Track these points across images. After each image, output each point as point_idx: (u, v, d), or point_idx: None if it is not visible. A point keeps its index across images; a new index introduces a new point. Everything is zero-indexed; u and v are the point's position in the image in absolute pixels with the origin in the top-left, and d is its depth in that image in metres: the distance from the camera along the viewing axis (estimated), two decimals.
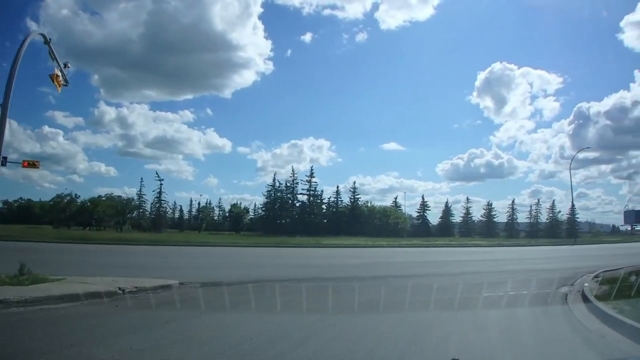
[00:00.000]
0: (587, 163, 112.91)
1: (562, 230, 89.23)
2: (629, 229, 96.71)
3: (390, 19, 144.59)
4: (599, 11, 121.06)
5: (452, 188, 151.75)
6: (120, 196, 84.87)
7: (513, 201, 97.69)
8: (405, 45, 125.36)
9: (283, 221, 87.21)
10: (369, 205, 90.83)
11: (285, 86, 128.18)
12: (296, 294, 10.80)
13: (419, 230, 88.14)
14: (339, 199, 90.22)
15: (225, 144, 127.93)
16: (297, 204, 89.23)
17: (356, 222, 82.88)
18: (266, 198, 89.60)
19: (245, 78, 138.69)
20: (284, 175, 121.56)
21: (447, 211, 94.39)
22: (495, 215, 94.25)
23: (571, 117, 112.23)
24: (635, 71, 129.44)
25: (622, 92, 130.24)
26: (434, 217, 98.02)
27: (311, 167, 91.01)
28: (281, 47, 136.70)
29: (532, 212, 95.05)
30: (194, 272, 16.50)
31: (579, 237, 69.55)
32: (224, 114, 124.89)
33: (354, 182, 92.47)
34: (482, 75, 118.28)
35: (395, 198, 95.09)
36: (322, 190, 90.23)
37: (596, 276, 15.28)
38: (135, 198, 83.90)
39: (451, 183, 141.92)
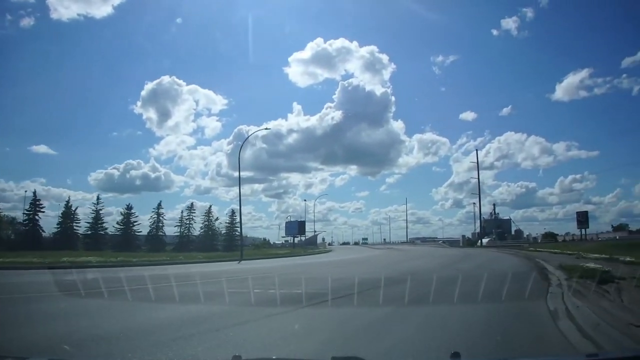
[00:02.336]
0: (241, 182, 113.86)
1: (219, 242, 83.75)
2: (290, 240, 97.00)
3: (64, 9, 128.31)
4: (272, 45, 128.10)
5: (105, 199, 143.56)
6: None
7: (159, 205, 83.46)
8: (75, 40, 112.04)
9: None
10: None
11: None
12: None
13: (28, 240, 61.55)
14: None
15: None
16: None
17: None
18: None
19: None
20: None
21: (67, 215, 70.90)
22: (137, 222, 79.60)
23: (231, 137, 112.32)
24: (294, 103, 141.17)
25: (280, 120, 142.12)
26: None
27: None
28: None
29: (184, 221, 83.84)
30: None
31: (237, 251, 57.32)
32: None
33: None
34: (149, 86, 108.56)
35: None
36: None
37: None
38: None
39: (104, 194, 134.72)
